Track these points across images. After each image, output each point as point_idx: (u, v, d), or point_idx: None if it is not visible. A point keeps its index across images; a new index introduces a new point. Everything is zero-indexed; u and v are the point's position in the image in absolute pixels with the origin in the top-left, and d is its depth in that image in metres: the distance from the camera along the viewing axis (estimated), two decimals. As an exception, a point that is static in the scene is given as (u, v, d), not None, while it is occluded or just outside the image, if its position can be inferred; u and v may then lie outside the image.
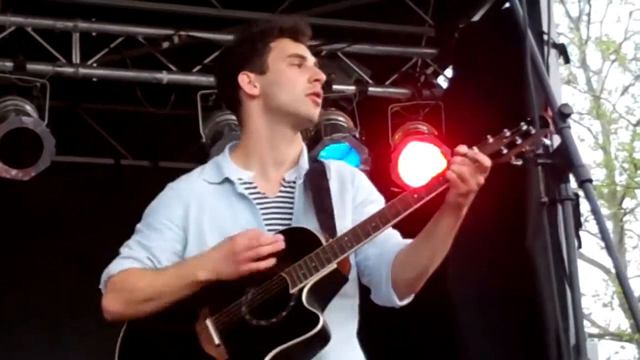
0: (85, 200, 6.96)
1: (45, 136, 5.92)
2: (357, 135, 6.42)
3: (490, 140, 3.07)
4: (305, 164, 3.39)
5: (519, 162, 3.02)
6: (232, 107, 3.51)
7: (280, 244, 3.14)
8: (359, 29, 6.63)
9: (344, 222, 3.26)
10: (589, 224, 15.82)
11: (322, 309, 3.14)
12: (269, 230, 3.24)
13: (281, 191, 3.35)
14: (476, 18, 6.50)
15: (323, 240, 3.15)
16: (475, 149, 3.06)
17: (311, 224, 3.21)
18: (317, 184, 3.33)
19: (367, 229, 3.11)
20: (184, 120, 6.62)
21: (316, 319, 3.06)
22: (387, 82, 6.80)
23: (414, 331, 6.34)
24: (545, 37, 5.49)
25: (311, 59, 3.42)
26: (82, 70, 6.16)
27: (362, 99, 6.61)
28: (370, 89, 6.65)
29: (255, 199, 3.31)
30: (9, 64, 6.00)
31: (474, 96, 6.18)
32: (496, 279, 5.76)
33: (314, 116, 3.37)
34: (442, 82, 6.92)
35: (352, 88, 6.60)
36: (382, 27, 6.69)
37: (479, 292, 5.96)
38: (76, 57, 6.16)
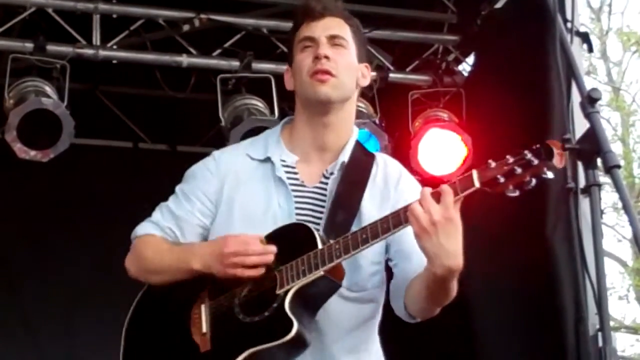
0: (103, 183, 6.95)
1: (65, 118, 5.91)
2: (377, 121, 6.38)
3: (492, 164, 2.83)
4: (344, 156, 3.29)
5: (515, 194, 2.78)
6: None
7: (269, 256, 3.07)
8: (380, 14, 6.58)
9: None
10: (606, 216, 15.77)
11: (312, 314, 3.07)
12: (298, 219, 3.19)
13: (321, 182, 3.28)
14: (499, 5, 6.45)
15: (319, 243, 3.05)
16: (474, 172, 2.85)
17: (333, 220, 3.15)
18: (353, 178, 3.26)
19: (357, 240, 2.98)
20: (203, 104, 6.59)
21: (290, 326, 2.97)
22: (408, 69, 6.77)
23: (430, 321, 6.31)
24: (569, 25, 5.46)
25: (321, 36, 3.28)
26: (102, 52, 6.14)
27: (383, 86, 6.57)
28: (391, 75, 6.62)
29: (291, 184, 3.26)
30: (29, 45, 5.99)
31: (496, 84, 6.15)
32: (515, 268, 5.73)
33: (319, 96, 3.22)
34: (463, 69, 6.87)
35: (372, 74, 6.50)
36: (404, 13, 6.68)
37: (497, 281, 5.93)
38: (96, 39, 6.14)
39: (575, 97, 5.07)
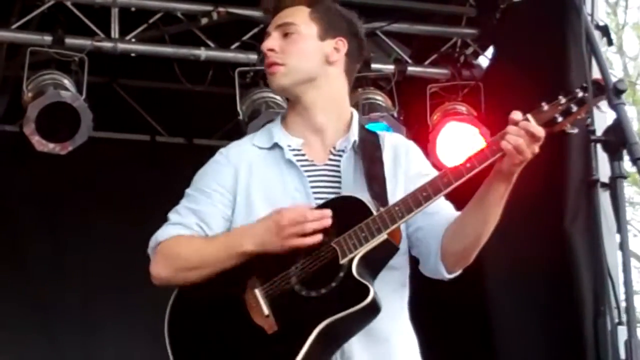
0: (121, 176, 6.97)
1: (83, 111, 5.91)
2: (396, 114, 6.38)
3: (545, 107, 3.02)
4: (354, 135, 3.34)
5: (574, 131, 2.97)
6: None
7: (326, 220, 3.11)
8: (398, 7, 6.58)
9: (395, 193, 3.23)
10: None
11: (372, 280, 3.11)
12: (316, 198, 3.23)
13: (330, 159, 3.32)
14: (517, -2, 6.44)
15: (374, 209, 3.11)
16: (529, 116, 3.02)
17: (362, 193, 3.17)
18: (369, 153, 3.30)
19: (418, 198, 3.08)
20: (221, 98, 6.59)
21: (367, 290, 3.02)
22: (427, 62, 6.74)
23: (449, 314, 6.30)
24: (589, 18, 5.43)
25: (271, 29, 3.37)
26: (121, 46, 6.15)
27: (401, 79, 6.56)
28: (410, 68, 6.61)
29: (302, 166, 3.29)
30: (48, 38, 6.01)
31: (515, 77, 6.11)
32: (533, 260, 5.72)
33: (273, 87, 3.37)
34: (482, 62, 6.85)
35: (391, 67, 6.56)
36: (423, 6, 6.65)
37: (514, 274, 5.92)
38: (115, 32, 6.15)
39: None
